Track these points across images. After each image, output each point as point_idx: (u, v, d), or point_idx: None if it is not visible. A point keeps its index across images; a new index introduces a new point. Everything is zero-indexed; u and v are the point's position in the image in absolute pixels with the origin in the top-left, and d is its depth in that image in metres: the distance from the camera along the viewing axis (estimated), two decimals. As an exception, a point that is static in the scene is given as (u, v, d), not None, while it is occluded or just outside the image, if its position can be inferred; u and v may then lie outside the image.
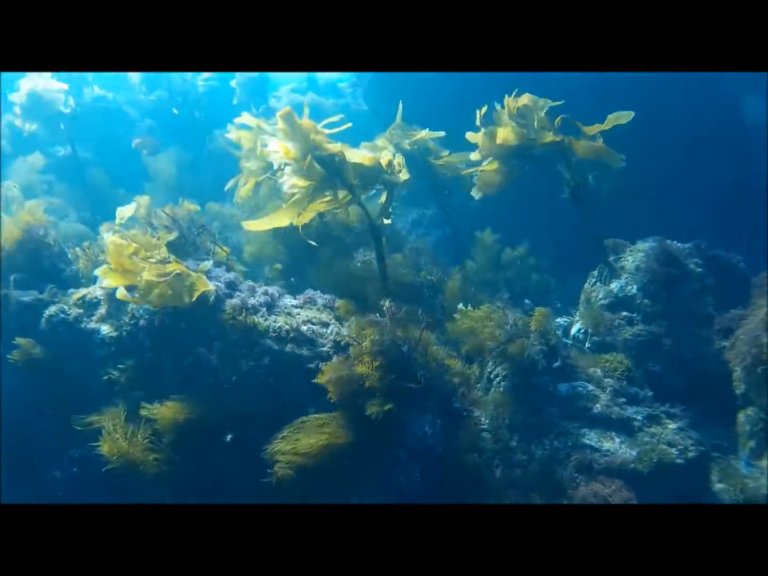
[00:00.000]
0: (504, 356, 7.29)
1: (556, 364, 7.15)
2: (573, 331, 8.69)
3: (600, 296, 8.70)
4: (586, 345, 8.40)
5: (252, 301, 6.20)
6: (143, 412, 5.68)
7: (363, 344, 5.72)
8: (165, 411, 5.63)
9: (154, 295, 5.88)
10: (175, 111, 16.22)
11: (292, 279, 8.56)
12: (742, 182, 10.41)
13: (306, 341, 6.04)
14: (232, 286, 6.33)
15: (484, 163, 8.28)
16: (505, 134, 7.86)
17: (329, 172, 6.37)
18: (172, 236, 7.34)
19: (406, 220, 13.24)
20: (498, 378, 7.53)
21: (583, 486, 6.44)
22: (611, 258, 8.86)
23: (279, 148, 6.30)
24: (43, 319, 6.30)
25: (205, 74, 16.52)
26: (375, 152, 6.62)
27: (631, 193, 9.63)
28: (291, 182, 6.38)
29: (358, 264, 9.04)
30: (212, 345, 5.96)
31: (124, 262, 5.91)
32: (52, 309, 6.32)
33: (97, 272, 5.94)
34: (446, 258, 10.38)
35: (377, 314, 6.28)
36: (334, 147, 6.34)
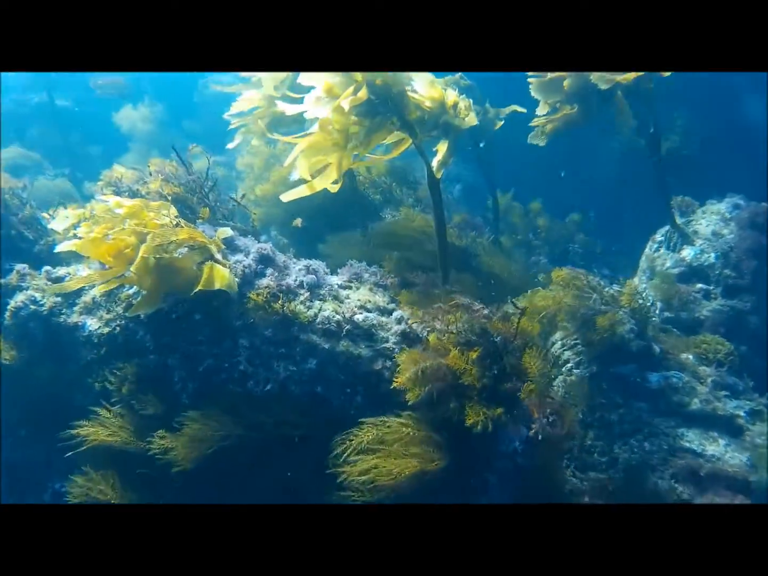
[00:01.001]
0: (584, 335, 5.65)
1: (657, 349, 5.53)
2: (637, 304, 7.09)
3: (668, 265, 7.10)
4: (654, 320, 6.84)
5: (289, 281, 4.39)
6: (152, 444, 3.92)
7: (448, 333, 4.03)
8: (177, 440, 3.88)
9: (155, 278, 4.08)
10: None
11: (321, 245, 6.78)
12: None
13: (363, 335, 4.27)
14: (265, 261, 4.50)
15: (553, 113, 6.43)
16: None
17: (386, 108, 4.52)
18: (177, 189, 5.47)
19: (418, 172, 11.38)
20: (570, 363, 5.93)
21: (695, 499, 4.94)
22: (680, 220, 7.23)
23: (320, 85, 4.43)
24: (8, 313, 4.38)
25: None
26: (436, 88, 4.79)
27: (693, 152, 7.84)
28: (337, 123, 4.55)
29: (388, 223, 7.31)
30: (238, 343, 4.18)
31: (110, 248, 4.07)
32: (19, 298, 4.35)
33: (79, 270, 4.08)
34: (473, 213, 8.61)
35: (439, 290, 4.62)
36: (390, 75, 4.50)
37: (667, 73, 5.99)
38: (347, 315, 4.26)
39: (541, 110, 6.25)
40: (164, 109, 11.40)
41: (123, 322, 4.31)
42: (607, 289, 5.67)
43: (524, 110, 6.48)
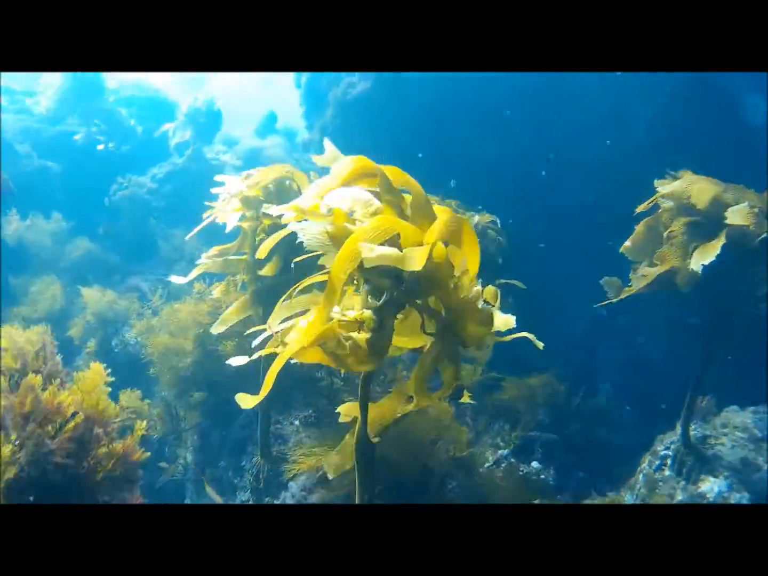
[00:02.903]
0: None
1: None
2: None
3: (679, 498, 4.82)
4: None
5: None
6: None
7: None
8: None
9: None
10: (101, 147, 11.72)
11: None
12: None
13: None
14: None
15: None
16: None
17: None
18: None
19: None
20: None
21: None
22: (693, 431, 5.02)
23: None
24: None
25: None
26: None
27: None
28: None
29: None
30: None
31: None
32: None
33: None
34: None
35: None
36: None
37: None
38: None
39: (637, 282, 4.45)
40: (66, 218, 9.17)
41: None
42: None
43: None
